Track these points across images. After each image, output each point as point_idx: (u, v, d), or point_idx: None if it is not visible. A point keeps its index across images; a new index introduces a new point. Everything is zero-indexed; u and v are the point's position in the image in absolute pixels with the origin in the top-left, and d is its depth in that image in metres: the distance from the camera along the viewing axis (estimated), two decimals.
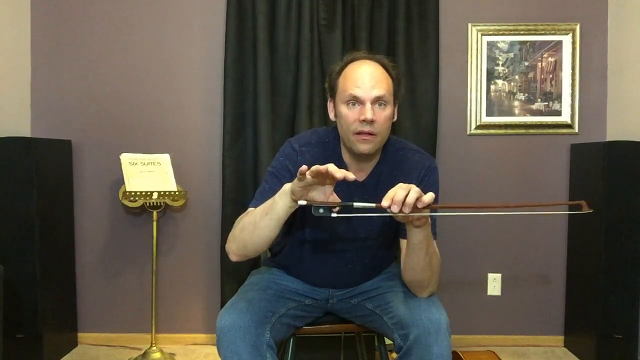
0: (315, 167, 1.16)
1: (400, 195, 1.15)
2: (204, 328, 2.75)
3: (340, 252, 1.56)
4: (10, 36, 2.57)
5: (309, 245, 1.57)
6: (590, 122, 2.69)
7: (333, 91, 1.48)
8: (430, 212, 1.24)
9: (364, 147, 1.41)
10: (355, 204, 1.18)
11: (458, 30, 2.69)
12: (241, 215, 1.45)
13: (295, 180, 1.22)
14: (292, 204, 1.28)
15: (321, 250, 1.56)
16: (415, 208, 1.17)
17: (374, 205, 1.17)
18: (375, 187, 1.50)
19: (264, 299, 1.45)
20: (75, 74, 2.70)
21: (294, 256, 1.60)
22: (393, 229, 1.53)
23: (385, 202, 1.16)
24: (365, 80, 1.39)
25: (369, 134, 1.39)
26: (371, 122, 1.38)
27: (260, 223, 1.34)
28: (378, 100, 1.39)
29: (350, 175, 1.16)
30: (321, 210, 1.18)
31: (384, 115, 1.40)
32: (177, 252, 2.73)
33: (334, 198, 1.25)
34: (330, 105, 1.52)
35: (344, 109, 1.42)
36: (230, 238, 1.44)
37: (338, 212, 1.19)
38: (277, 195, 1.31)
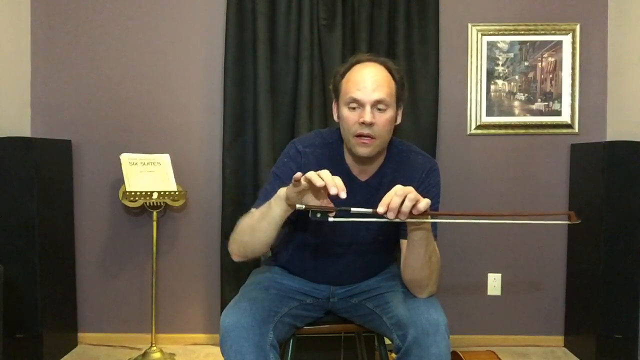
0: (309, 175, 1.17)
1: (396, 202, 1.16)
2: (204, 328, 2.75)
3: (341, 251, 1.56)
4: (10, 36, 2.57)
5: (311, 245, 1.58)
6: (590, 122, 2.69)
7: (337, 93, 1.49)
8: (426, 218, 1.24)
9: (362, 150, 1.42)
10: (353, 209, 1.18)
11: (458, 30, 2.69)
12: (242, 216, 1.46)
13: (290, 186, 1.23)
14: (287, 209, 1.29)
15: (322, 250, 1.57)
16: (410, 214, 1.17)
17: (370, 210, 1.18)
18: (378, 187, 1.50)
19: (267, 298, 1.45)
20: (75, 74, 2.70)
21: (296, 255, 1.61)
22: (394, 229, 1.53)
23: (381, 209, 1.17)
24: (367, 83, 1.40)
25: (368, 136, 1.40)
26: (370, 125, 1.39)
27: (257, 226, 1.36)
28: (378, 104, 1.40)
29: (343, 194, 1.16)
30: (318, 215, 1.18)
31: (384, 118, 1.41)
32: (177, 252, 2.73)
33: (328, 202, 1.25)
34: (334, 107, 1.53)
35: (345, 111, 1.43)
36: (231, 239, 1.46)
37: (335, 217, 1.19)
38: (272, 200, 1.32)
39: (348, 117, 1.42)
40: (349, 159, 1.52)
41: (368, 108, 1.39)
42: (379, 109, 1.40)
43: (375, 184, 1.51)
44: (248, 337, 1.30)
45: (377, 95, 1.39)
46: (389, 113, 1.42)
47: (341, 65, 1.52)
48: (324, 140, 1.55)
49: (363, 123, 1.38)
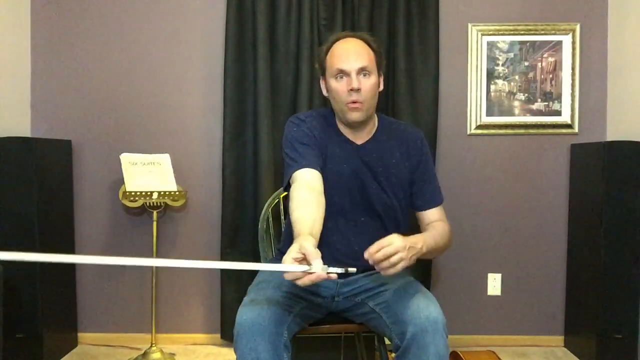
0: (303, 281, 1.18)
1: (382, 256, 1.28)
2: (204, 328, 2.75)
3: (351, 223, 1.62)
4: (10, 36, 2.57)
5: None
6: (590, 122, 2.69)
7: (323, 69, 1.64)
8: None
9: (355, 115, 1.57)
10: (332, 270, 1.20)
11: (458, 30, 2.69)
12: (292, 189, 1.50)
13: (292, 268, 1.19)
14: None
15: (332, 229, 1.60)
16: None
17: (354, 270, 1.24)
18: (375, 150, 1.65)
19: (281, 296, 1.46)
20: (76, 74, 2.70)
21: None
22: (403, 198, 1.66)
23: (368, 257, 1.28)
24: (350, 54, 1.55)
25: (357, 102, 1.55)
26: (358, 90, 1.54)
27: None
28: (362, 71, 1.55)
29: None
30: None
31: (369, 83, 1.56)
32: (177, 252, 2.73)
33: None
34: (322, 83, 1.67)
35: (333, 83, 1.58)
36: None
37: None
38: (296, 239, 1.30)
39: (337, 87, 1.57)
40: (341, 127, 1.67)
41: (354, 75, 1.53)
42: (363, 75, 1.55)
43: (371, 148, 1.65)
44: (264, 335, 1.31)
45: (360, 63, 1.54)
46: (373, 78, 1.58)
47: (323, 44, 1.67)
48: (319, 113, 1.72)
49: (352, 89, 1.53)
